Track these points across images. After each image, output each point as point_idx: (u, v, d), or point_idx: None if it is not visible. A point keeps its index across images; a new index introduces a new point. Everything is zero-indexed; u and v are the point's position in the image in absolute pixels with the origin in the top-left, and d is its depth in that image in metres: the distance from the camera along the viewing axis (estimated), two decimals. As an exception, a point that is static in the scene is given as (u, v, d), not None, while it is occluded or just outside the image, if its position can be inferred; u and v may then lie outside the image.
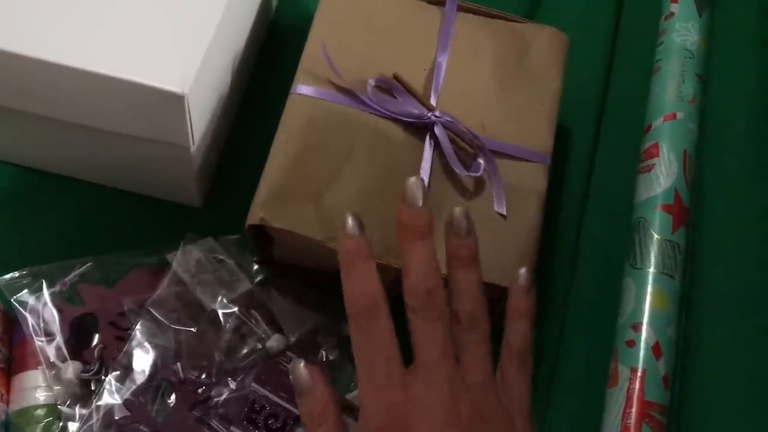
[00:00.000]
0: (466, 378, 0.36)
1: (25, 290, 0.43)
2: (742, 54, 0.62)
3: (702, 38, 0.59)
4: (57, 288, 0.44)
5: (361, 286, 0.36)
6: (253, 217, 0.44)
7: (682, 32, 0.59)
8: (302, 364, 0.36)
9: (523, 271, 0.40)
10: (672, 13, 0.60)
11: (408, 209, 0.37)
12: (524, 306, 0.39)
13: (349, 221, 0.37)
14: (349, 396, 0.46)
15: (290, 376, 0.37)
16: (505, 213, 0.46)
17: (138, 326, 0.43)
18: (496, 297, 0.46)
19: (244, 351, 0.45)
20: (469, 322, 0.37)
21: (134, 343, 0.43)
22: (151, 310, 0.44)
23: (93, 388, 0.42)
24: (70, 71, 0.42)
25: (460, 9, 0.53)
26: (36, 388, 0.42)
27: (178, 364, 0.43)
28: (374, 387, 0.35)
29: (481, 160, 0.47)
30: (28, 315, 0.43)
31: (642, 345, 0.47)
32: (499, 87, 0.50)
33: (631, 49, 0.62)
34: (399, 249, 0.38)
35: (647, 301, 0.49)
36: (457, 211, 0.39)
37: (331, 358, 0.47)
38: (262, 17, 0.56)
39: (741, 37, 0.63)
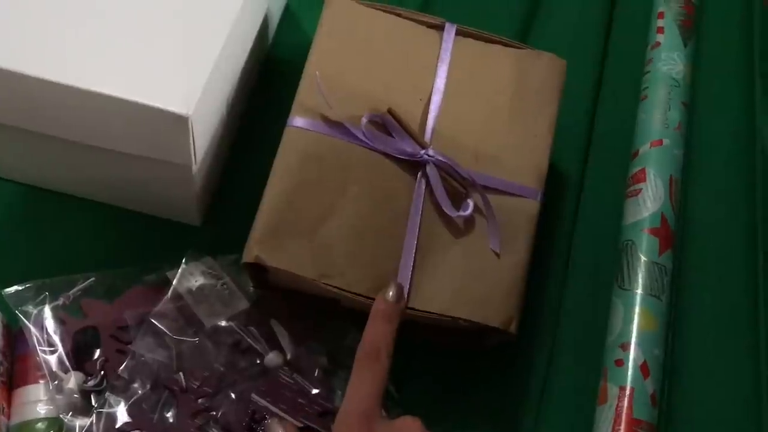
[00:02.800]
0: None
1: (30, 302, 0.44)
2: (726, 82, 0.64)
3: (687, 67, 0.61)
4: (60, 301, 0.45)
5: (374, 336, 0.42)
6: (249, 255, 0.44)
7: (668, 61, 0.61)
8: (276, 423, 0.42)
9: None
10: (658, 43, 0.62)
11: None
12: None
13: (391, 293, 0.43)
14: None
15: None
16: (499, 251, 0.47)
17: (140, 337, 0.44)
18: (485, 330, 0.47)
19: (243, 365, 0.46)
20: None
21: (136, 353, 0.43)
22: (153, 321, 0.45)
23: (93, 400, 0.43)
24: (76, 92, 0.43)
25: (459, 33, 0.53)
26: (37, 402, 0.43)
27: (180, 373, 0.44)
28: (346, 424, 0.40)
29: (471, 200, 0.47)
30: (31, 326, 0.43)
31: (630, 364, 0.48)
32: (495, 115, 0.51)
33: (618, 76, 0.64)
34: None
35: (635, 322, 0.50)
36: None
37: (327, 375, 0.47)
38: (263, 42, 0.58)
39: (725, 66, 0.65)
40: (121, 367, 0.43)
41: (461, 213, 0.47)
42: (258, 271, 0.47)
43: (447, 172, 0.48)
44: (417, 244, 0.46)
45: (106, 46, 0.45)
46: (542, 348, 0.52)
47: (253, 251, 0.44)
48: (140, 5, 0.47)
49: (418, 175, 0.48)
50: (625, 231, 0.54)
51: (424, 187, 0.47)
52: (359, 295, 0.44)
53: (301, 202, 0.46)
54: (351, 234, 0.46)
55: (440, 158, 0.47)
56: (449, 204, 0.47)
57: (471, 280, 0.46)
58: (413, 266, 0.46)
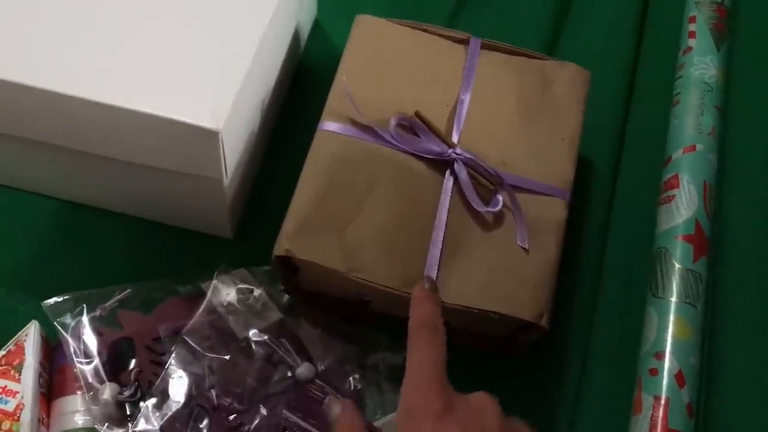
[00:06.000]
0: None
1: (68, 314, 0.45)
2: (761, 86, 0.63)
3: (720, 72, 0.60)
4: (97, 312, 0.46)
5: (423, 313, 0.40)
6: (280, 248, 0.46)
7: (700, 66, 0.60)
8: (334, 400, 0.39)
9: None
10: (690, 48, 0.61)
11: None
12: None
13: (427, 284, 0.42)
14: (377, 422, 0.46)
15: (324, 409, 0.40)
16: (527, 247, 0.47)
17: (174, 354, 0.44)
18: (515, 328, 0.47)
19: (275, 378, 0.47)
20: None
21: (170, 370, 0.44)
22: (186, 338, 0.45)
23: (128, 410, 0.44)
24: (110, 109, 0.44)
25: (484, 47, 0.54)
26: (75, 413, 0.44)
27: (212, 390, 0.45)
28: (419, 388, 0.37)
29: (500, 196, 0.48)
30: (69, 337, 0.44)
31: (665, 373, 0.48)
32: (520, 123, 0.51)
33: (650, 82, 0.63)
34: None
35: (670, 330, 0.49)
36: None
37: (358, 387, 0.48)
38: (292, 55, 0.59)
39: (759, 69, 0.64)
40: (155, 384, 0.44)
41: (490, 209, 0.48)
42: (288, 272, 0.48)
43: (475, 169, 0.48)
44: (445, 240, 0.47)
45: (136, 62, 0.46)
46: (576, 356, 0.51)
47: (283, 245, 0.45)
48: (170, 22, 0.48)
49: (447, 173, 0.49)
50: (658, 238, 0.53)
51: (452, 184, 0.48)
52: (391, 288, 0.45)
53: (331, 201, 0.47)
54: (380, 231, 0.46)
55: (468, 155, 0.48)
56: (478, 200, 0.48)
57: (500, 274, 0.46)
58: (442, 261, 0.46)
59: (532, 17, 0.66)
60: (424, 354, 0.38)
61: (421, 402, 0.36)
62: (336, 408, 0.38)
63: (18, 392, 0.42)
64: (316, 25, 0.64)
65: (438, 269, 0.46)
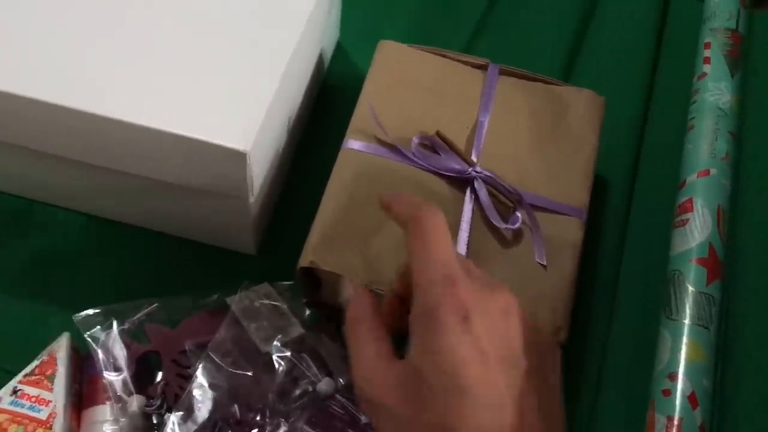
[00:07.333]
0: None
1: (98, 327, 0.47)
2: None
3: (734, 97, 0.61)
4: (126, 326, 0.47)
5: (410, 204, 0.38)
6: (304, 260, 0.47)
7: (715, 92, 0.61)
8: (347, 283, 0.39)
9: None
10: (704, 74, 0.63)
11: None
12: None
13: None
14: None
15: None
16: (545, 263, 0.49)
17: (199, 369, 0.46)
18: None
19: (296, 393, 0.48)
20: None
21: (195, 384, 0.45)
22: (211, 353, 0.47)
23: (155, 421, 0.45)
24: (141, 129, 0.46)
25: (502, 72, 0.56)
26: (104, 422, 0.45)
27: (235, 405, 0.46)
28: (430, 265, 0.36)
29: (519, 214, 0.50)
30: (99, 350, 0.46)
31: (678, 394, 0.48)
32: (537, 146, 0.53)
33: (665, 107, 0.64)
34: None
35: (683, 352, 0.50)
36: None
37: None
38: (317, 76, 0.60)
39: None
40: (182, 397, 0.45)
41: (510, 226, 0.49)
42: (311, 285, 0.49)
43: (494, 187, 0.50)
44: (466, 255, 0.48)
45: (167, 83, 0.47)
46: (589, 377, 0.52)
47: (308, 256, 0.47)
48: (200, 43, 0.49)
49: (467, 191, 0.50)
50: (672, 261, 0.54)
51: (472, 201, 0.50)
52: None
53: (354, 216, 0.49)
54: (400, 246, 0.47)
55: (488, 174, 0.50)
56: (498, 217, 0.49)
57: (519, 290, 0.47)
58: None
59: (547, 43, 0.67)
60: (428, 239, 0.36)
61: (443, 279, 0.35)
62: (348, 290, 0.39)
63: (51, 401, 0.43)
64: (339, 48, 0.65)
65: None
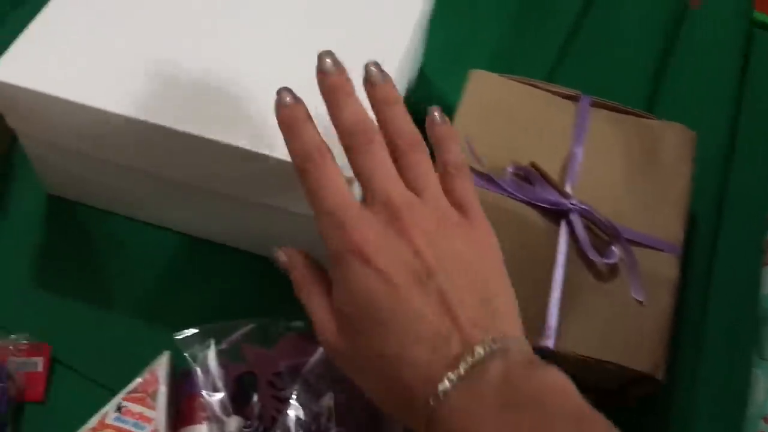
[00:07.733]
0: (418, 190, 0.39)
1: (196, 345, 0.47)
2: None
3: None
4: (223, 346, 0.48)
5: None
6: None
7: (805, 129, 0.60)
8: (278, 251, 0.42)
9: (435, 110, 0.42)
10: (794, 109, 0.62)
11: (328, 73, 0.40)
12: (445, 130, 0.42)
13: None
14: None
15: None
16: (642, 299, 0.48)
17: (294, 392, 0.46)
18: (630, 380, 0.48)
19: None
20: (408, 145, 0.40)
21: (291, 407, 0.46)
22: (306, 377, 0.47)
23: (251, 443, 0.46)
24: (243, 153, 0.46)
25: (593, 104, 0.56)
26: (200, 441, 0.46)
27: (330, 426, 0.46)
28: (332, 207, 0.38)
29: (615, 248, 0.49)
30: (198, 369, 0.47)
31: (772, 437, 0.48)
32: (631, 180, 0.53)
33: (753, 139, 0.64)
34: (329, 107, 0.40)
35: (776, 393, 0.49)
36: (368, 63, 0.41)
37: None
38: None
39: None
40: (278, 420, 0.45)
41: (606, 260, 0.49)
42: None
43: (590, 220, 0.50)
44: (563, 289, 0.48)
45: (242, 101, 0.48)
46: (678, 416, 0.52)
47: None
48: (289, 64, 0.48)
49: (562, 223, 0.50)
50: (764, 300, 0.54)
51: (567, 234, 0.50)
52: None
53: None
54: None
55: (584, 206, 0.50)
56: (593, 251, 0.49)
57: (616, 325, 0.47)
58: (560, 311, 0.47)
59: (632, 71, 0.67)
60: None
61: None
62: (282, 256, 0.42)
63: (153, 419, 0.44)
64: (422, 73, 0.66)
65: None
